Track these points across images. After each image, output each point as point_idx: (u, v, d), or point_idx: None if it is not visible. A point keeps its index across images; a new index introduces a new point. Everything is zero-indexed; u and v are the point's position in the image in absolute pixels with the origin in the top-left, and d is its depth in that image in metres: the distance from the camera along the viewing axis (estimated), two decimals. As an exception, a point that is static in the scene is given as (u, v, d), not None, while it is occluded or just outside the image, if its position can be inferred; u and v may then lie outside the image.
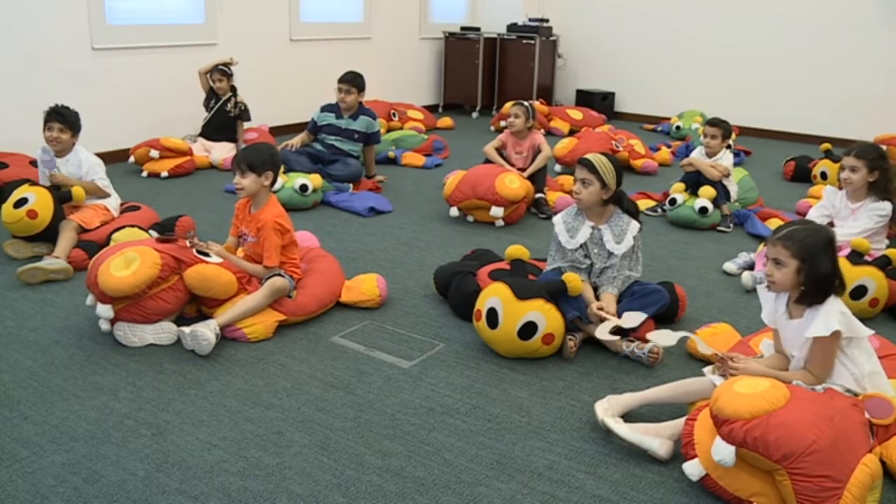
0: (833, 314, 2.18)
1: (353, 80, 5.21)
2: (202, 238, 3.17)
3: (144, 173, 5.59)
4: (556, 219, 3.15)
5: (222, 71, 5.98)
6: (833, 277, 2.22)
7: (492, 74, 8.93)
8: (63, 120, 3.83)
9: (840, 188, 3.79)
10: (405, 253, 4.11)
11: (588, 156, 3.04)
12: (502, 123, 7.43)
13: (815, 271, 2.19)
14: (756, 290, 3.63)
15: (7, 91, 5.26)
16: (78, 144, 3.96)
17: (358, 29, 7.97)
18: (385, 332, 3.12)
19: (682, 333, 2.62)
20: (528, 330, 2.78)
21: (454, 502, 2.06)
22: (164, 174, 5.54)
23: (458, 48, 8.84)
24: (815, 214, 3.83)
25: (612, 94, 8.94)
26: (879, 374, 2.27)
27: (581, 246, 3.08)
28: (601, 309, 2.92)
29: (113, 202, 4.01)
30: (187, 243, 3.04)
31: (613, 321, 2.85)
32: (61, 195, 3.78)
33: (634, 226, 3.07)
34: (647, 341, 2.90)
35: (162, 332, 2.93)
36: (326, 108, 5.36)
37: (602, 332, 2.81)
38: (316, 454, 2.26)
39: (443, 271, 3.43)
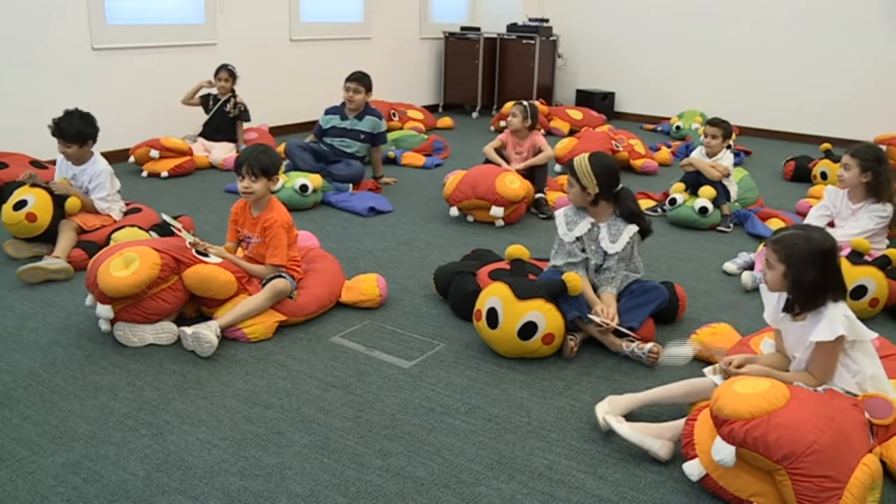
0: (837, 318, 2.17)
1: (361, 80, 5.19)
2: (202, 238, 3.17)
3: (144, 173, 5.59)
4: (559, 211, 3.15)
5: (230, 71, 5.99)
6: (821, 287, 2.18)
7: (492, 74, 8.93)
8: (62, 135, 3.70)
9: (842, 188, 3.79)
10: (405, 253, 4.11)
11: (575, 158, 3.03)
12: (502, 123, 7.43)
13: (800, 279, 2.18)
14: (756, 290, 3.65)
15: (7, 91, 5.26)
16: (98, 154, 3.88)
17: (358, 29, 7.97)
18: (385, 332, 3.12)
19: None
20: (528, 330, 2.78)
21: (454, 502, 2.06)
22: (164, 174, 5.54)
23: (458, 48, 8.83)
24: (816, 214, 3.84)
25: (612, 94, 8.94)
26: (881, 378, 2.27)
27: (578, 239, 3.07)
28: (603, 313, 2.93)
29: (115, 209, 3.97)
30: (187, 243, 3.04)
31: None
32: (62, 197, 3.76)
33: (632, 228, 3.05)
34: (647, 341, 2.90)
35: (162, 332, 2.93)
36: (330, 111, 5.33)
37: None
38: (316, 454, 2.26)
39: (443, 271, 3.43)
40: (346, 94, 5.21)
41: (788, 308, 2.26)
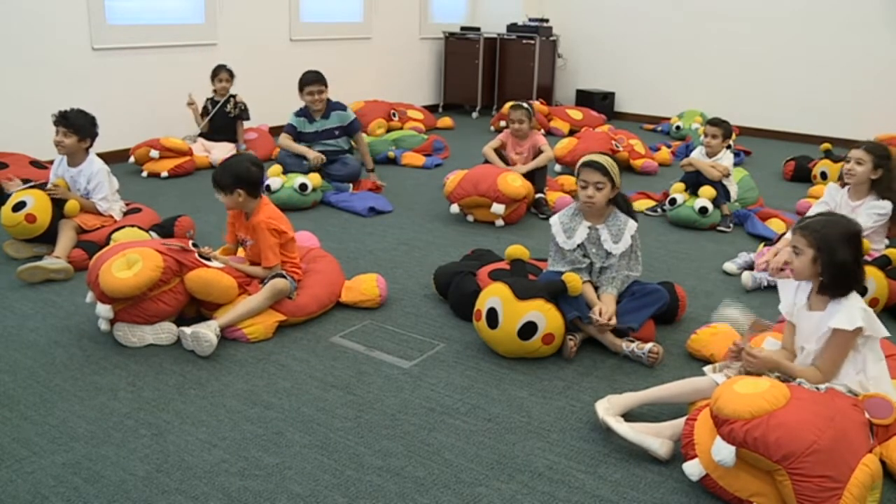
0: (857, 310, 2.19)
1: (322, 80, 5.12)
2: (201, 238, 3.17)
3: (144, 173, 5.60)
4: (554, 220, 3.14)
5: (230, 72, 5.99)
6: (854, 269, 2.23)
7: (492, 74, 8.93)
8: (67, 124, 3.72)
9: (843, 185, 3.79)
10: (405, 253, 4.11)
11: (595, 158, 3.00)
12: (502, 123, 7.43)
13: (832, 261, 2.20)
14: (756, 290, 3.66)
15: (7, 91, 5.26)
16: (93, 154, 3.87)
17: (358, 29, 7.97)
18: (385, 332, 3.12)
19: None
20: (528, 330, 2.78)
21: (454, 502, 2.06)
22: (164, 174, 5.54)
23: (458, 48, 8.84)
24: (816, 211, 3.83)
25: (612, 94, 8.94)
26: (883, 379, 2.27)
27: (579, 246, 3.07)
28: (602, 314, 2.92)
29: (116, 209, 3.97)
30: (190, 244, 3.04)
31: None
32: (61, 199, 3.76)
33: (632, 225, 3.06)
34: (647, 341, 2.90)
35: (162, 332, 2.93)
36: (300, 114, 5.25)
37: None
38: (316, 454, 2.26)
39: (443, 271, 3.43)
40: (311, 98, 5.11)
41: (823, 291, 2.26)
